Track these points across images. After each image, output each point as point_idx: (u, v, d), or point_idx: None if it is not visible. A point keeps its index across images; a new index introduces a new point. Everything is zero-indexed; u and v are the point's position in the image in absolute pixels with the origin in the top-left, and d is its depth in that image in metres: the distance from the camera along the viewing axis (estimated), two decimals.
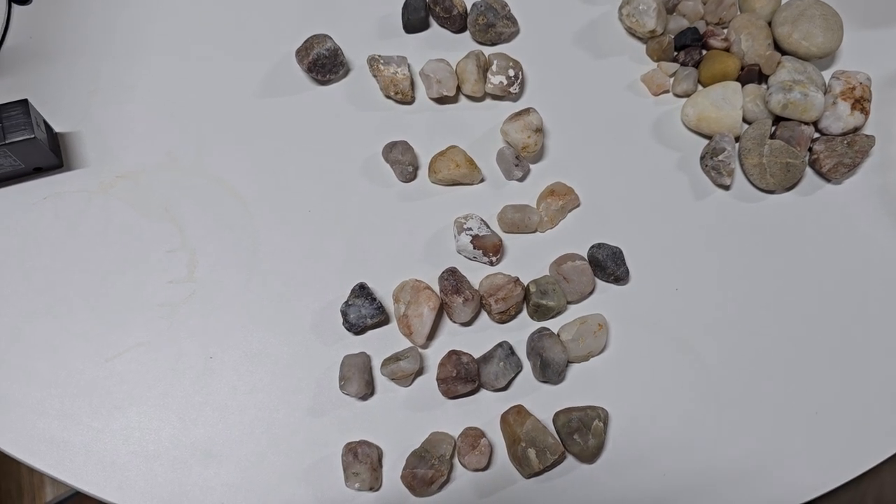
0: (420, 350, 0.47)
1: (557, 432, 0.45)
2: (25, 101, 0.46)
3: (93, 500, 0.84)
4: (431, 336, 0.47)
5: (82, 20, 0.55)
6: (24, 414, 0.44)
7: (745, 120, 0.53)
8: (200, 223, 0.49)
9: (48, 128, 0.49)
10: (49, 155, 0.48)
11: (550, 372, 0.45)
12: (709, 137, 0.53)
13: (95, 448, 0.44)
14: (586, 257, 0.49)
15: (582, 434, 0.44)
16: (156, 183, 0.50)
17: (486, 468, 0.45)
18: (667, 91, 0.54)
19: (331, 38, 0.52)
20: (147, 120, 0.52)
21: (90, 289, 0.47)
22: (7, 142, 0.45)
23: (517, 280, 0.47)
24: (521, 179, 0.51)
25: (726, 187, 0.52)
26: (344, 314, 0.46)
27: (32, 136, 0.45)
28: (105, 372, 0.46)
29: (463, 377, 0.44)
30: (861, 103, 0.51)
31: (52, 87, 0.52)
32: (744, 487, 0.45)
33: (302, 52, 0.52)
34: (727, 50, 0.54)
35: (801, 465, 0.46)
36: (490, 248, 0.48)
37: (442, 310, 0.47)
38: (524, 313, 0.48)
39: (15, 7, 0.55)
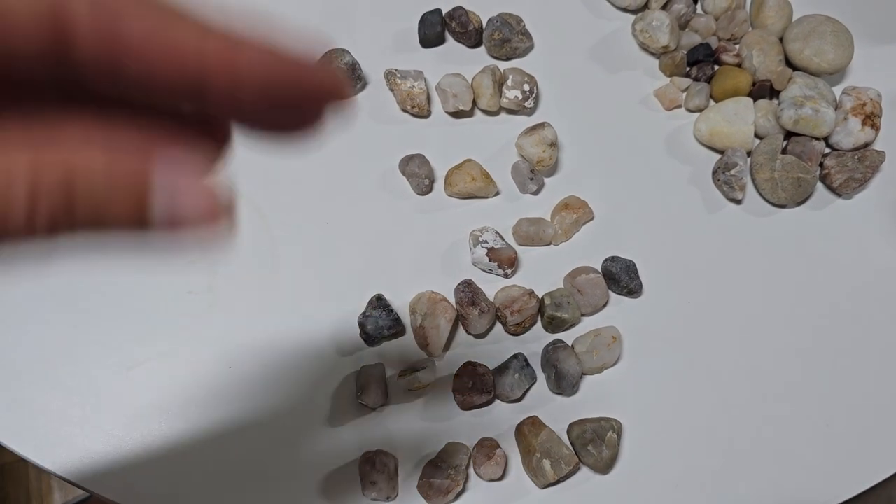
0: (436, 361, 0.47)
1: (572, 443, 0.45)
2: None
3: None
4: (447, 347, 0.48)
5: None
6: (46, 422, 0.45)
7: (756, 135, 0.53)
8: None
9: None
10: None
11: (565, 383, 0.46)
12: (721, 152, 0.53)
13: (116, 456, 0.45)
14: (600, 270, 0.49)
15: (596, 445, 0.44)
16: None
17: (501, 478, 0.45)
18: (679, 106, 0.55)
19: (349, 53, 0.53)
20: None
21: (111, 298, 0.48)
22: None
23: (532, 292, 0.47)
24: (536, 193, 0.52)
25: (738, 201, 0.52)
26: (361, 325, 0.47)
27: None
28: (126, 381, 0.46)
29: (478, 388, 0.45)
30: (872, 119, 0.52)
31: None
32: (755, 499, 0.45)
33: None
34: (739, 66, 0.55)
35: (811, 476, 0.46)
36: (505, 261, 0.49)
37: (458, 321, 0.48)
38: (539, 325, 0.49)
39: None
